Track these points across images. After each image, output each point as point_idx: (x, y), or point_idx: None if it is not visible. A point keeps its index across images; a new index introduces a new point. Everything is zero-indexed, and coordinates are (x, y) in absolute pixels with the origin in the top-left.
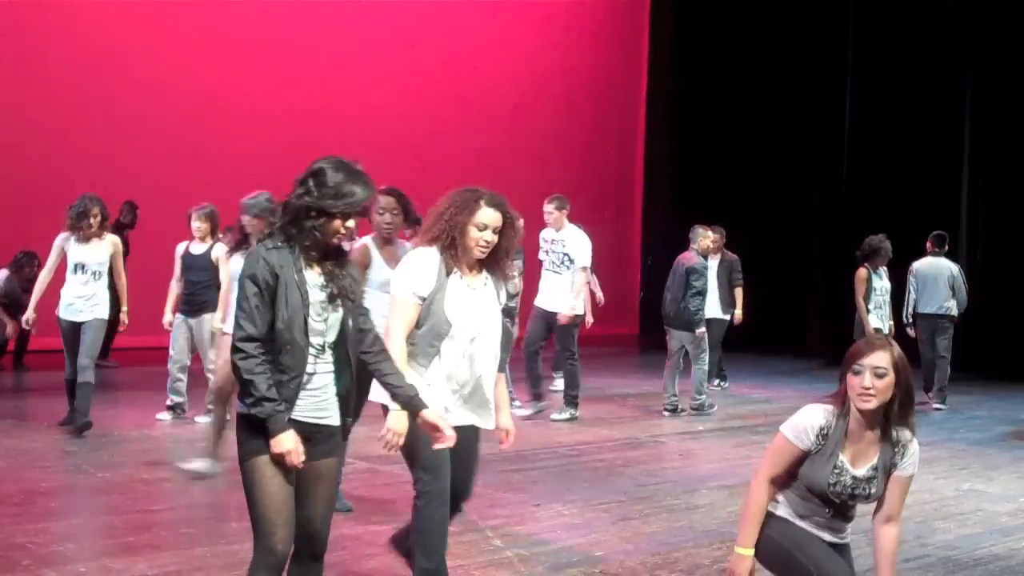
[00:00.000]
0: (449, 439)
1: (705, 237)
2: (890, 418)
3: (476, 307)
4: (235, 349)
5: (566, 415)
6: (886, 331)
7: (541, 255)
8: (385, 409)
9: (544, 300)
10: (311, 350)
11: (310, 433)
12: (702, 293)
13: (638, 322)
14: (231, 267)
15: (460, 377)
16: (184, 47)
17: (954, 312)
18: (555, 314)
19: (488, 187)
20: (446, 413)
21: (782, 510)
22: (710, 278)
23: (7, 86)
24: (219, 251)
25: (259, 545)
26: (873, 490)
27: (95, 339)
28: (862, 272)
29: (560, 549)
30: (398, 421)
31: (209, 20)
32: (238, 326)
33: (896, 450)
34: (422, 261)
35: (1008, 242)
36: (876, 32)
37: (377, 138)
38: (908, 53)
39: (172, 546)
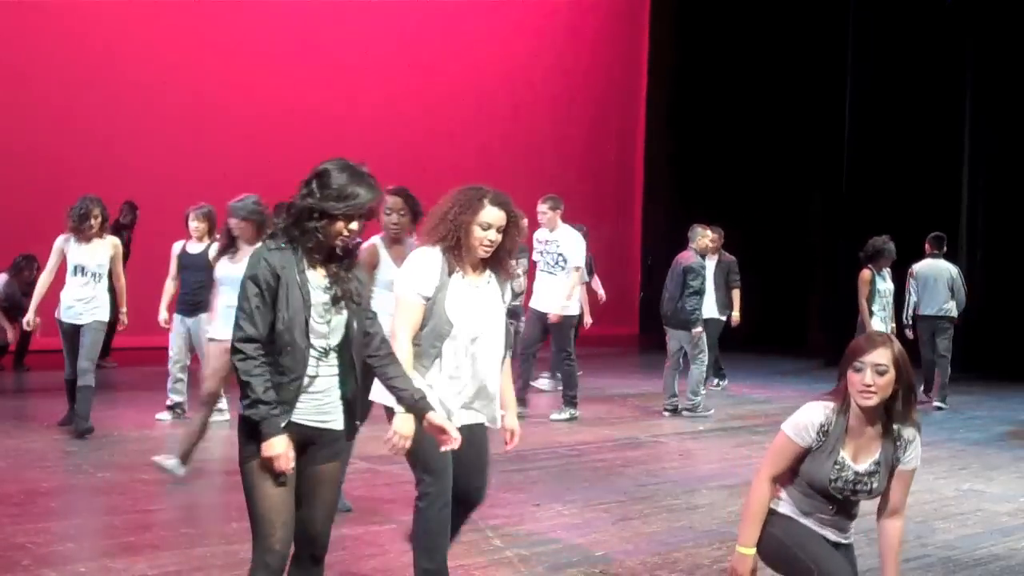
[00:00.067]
0: (455, 441)
1: (704, 237)
2: (892, 414)
3: (479, 307)
4: (234, 350)
5: (566, 415)
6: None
7: (535, 256)
8: (388, 410)
9: (539, 301)
10: (313, 352)
11: (312, 437)
12: (699, 293)
13: (638, 322)
14: (217, 272)
15: (463, 377)
16: (183, 47)
17: (953, 313)
18: (546, 315)
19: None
20: (449, 415)
21: (785, 507)
22: (707, 278)
23: (6, 87)
24: (216, 251)
25: (258, 546)
26: (875, 485)
27: (95, 341)
28: (866, 274)
29: (560, 549)
30: (405, 424)
31: (208, 21)
32: (238, 327)
33: (898, 444)
34: (425, 261)
35: (1008, 242)
36: (876, 32)
37: (377, 138)
38: (908, 53)
39: (172, 546)
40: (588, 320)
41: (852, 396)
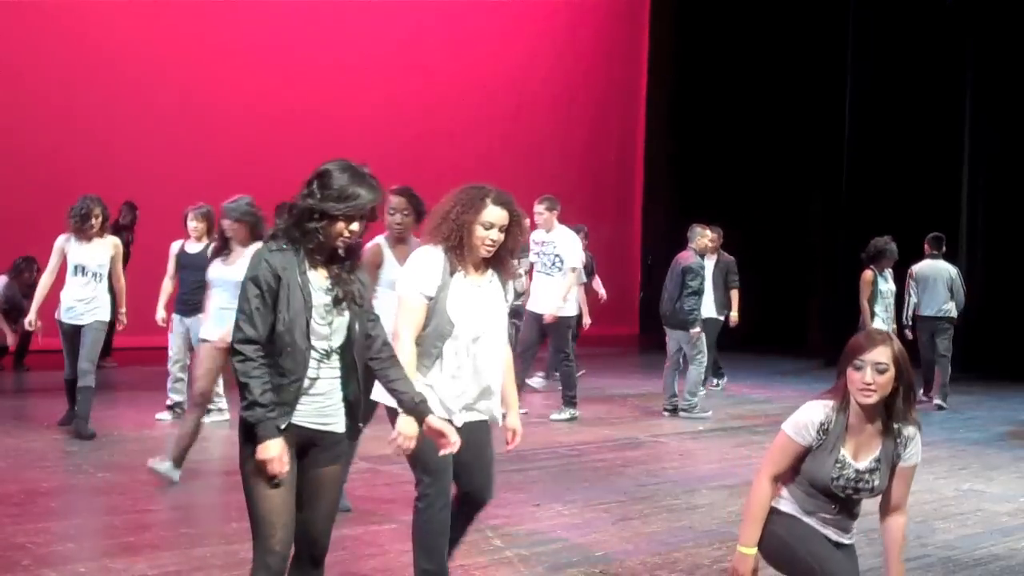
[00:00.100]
0: (453, 445)
1: (703, 236)
2: (892, 412)
3: (480, 306)
4: (234, 351)
5: (566, 415)
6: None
7: (532, 257)
8: (390, 411)
9: (536, 303)
10: (314, 354)
11: (313, 439)
12: (698, 293)
13: (638, 322)
14: (210, 274)
15: (465, 377)
16: (183, 48)
17: (953, 314)
18: (541, 316)
19: None
20: (450, 415)
21: (789, 506)
22: (706, 278)
23: (6, 87)
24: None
25: (259, 547)
26: (876, 483)
27: (95, 342)
28: (868, 274)
29: (560, 549)
30: (409, 425)
31: (208, 21)
32: (238, 328)
33: (899, 441)
34: (427, 260)
35: (1008, 242)
36: (876, 32)
37: (377, 138)
38: (908, 53)
39: (172, 546)
40: (587, 321)
41: (852, 394)
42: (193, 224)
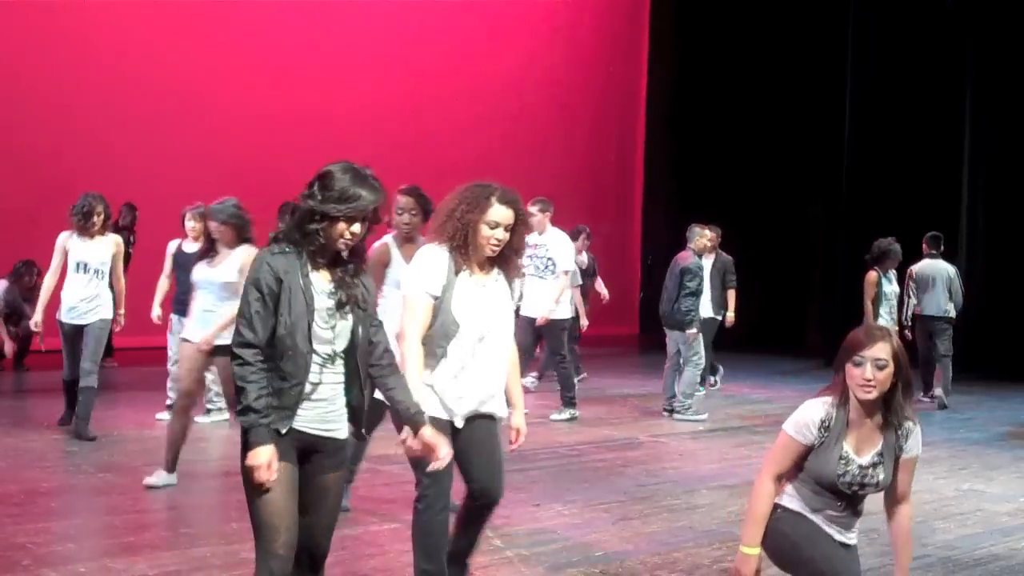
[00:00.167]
0: (442, 460)
1: (702, 237)
2: (891, 407)
3: (486, 305)
4: (233, 355)
5: (566, 415)
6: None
7: (524, 260)
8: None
9: (528, 307)
10: (316, 358)
11: (316, 445)
12: (696, 294)
13: (638, 322)
14: (195, 275)
15: (469, 377)
16: (183, 48)
17: (952, 314)
18: (534, 320)
19: None
20: (451, 416)
21: (796, 504)
22: (704, 278)
23: (5, 88)
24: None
25: (261, 552)
26: (881, 477)
27: (99, 341)
28: (872, 275)
29: (560, 549)
30: None
31: (209, 21)
32: (237, 332)
33: (899, 434)
34: (432, 259)
35: (1008, 242)
36: (876, 32)
37: (376, 139)
38: (908, 53)
39: (172, 546)
40: (584, 323)
41: (852, 390)
42: (191, 224)
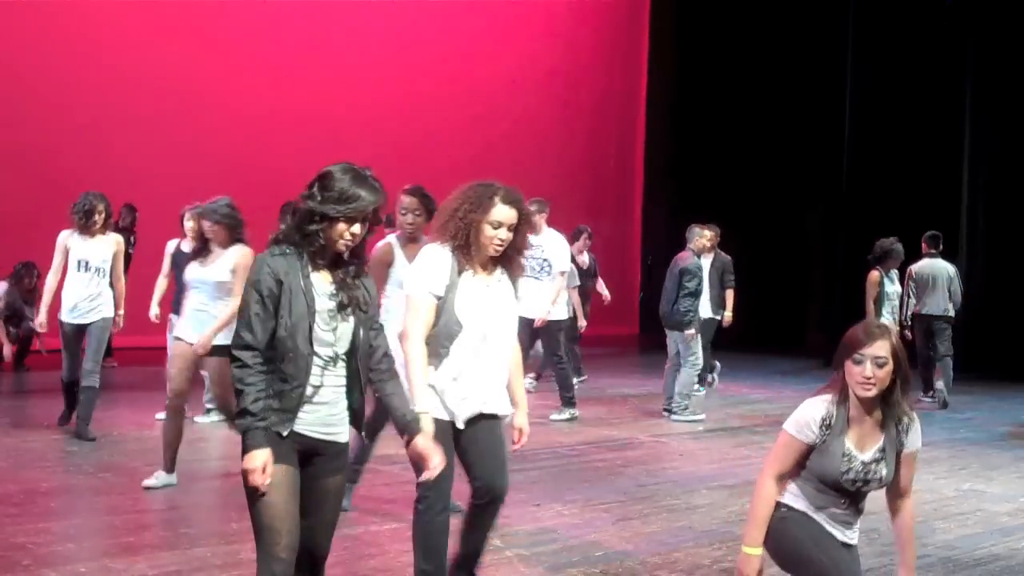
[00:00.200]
0: (434, 470)
1: (702, 237)
2: (890, 403)
3: (489, 305)
4: (233, 357)
5: (566, 415)
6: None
7: None
8: None
9: (525, 308)
10: (317, 360)
11: (317, 448)
12: (694, 294)
13: (638, 322)
14: (187, 274)
15: (471, 377)
16: (183, 48)
17: (951, 313)
18: (532, 321)
19: None
20: (452, 417)
21: (800, 503)
22: (703, 278)
23: (5, 88)
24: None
25: (263, 556)
26: (884, 472)
27: (101, 341)
28: (874, 275)
29: (560, 549)
30: (428, 426)
31: (209, 21)
32: (237, 334)
33: (900, 428)
34: (435, 259)
35: (1008, 242)
36: (876, 32)
37: (376, 139)
38: (908, 53)
39: (172, 546)
40: (583, 323)
41: (851, 387)
42: (190, 224)
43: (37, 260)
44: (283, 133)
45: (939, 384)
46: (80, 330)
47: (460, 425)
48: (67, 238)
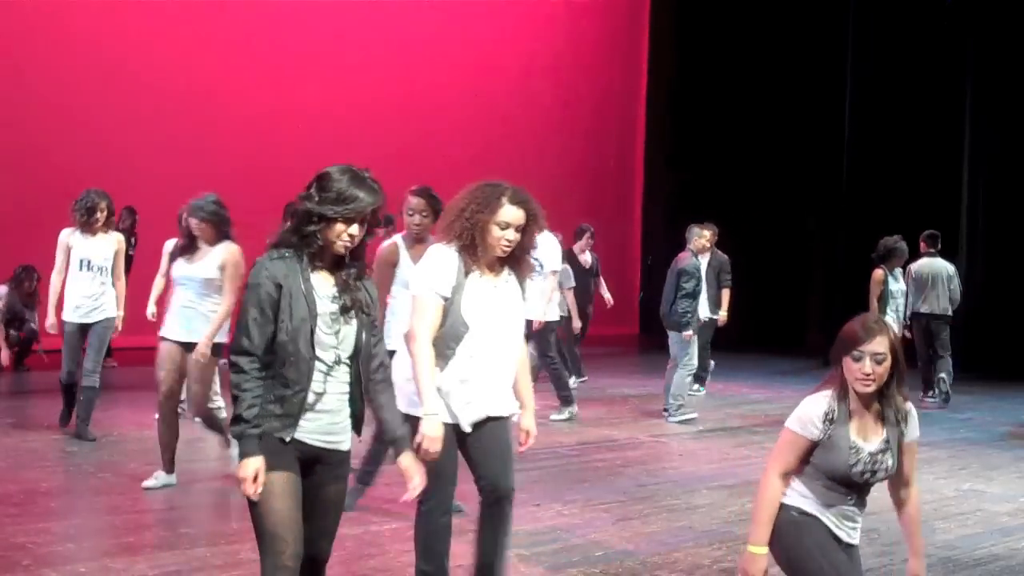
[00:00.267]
0: (413, 491)
1: (701, 237)
2: (887, 395)
3: (496, 306)
4: (231, 362)
5: (565, 415)
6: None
7: None
8: (409, 417)
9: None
10: (320, 365)
11: (319, 456)
12: (692, 295)
13: (638, 322)
14: (174, 272)
15: (476, 380)
16: (183, 49)
17: (950, 312)
18: (531, 323)
19: None
20: (456, 420)
21: (808, 504)
22: (701, 278)
23: (5, 89)
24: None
25: (268, 563)
26: (890, 462)
27: (103, 341)
28: (879, 274)
29: (560, 549)
30: (434, 427)
31: (209, 22)
32: (235, 339)
33: (899, 418)
34: (441, 260)
35: (1008, 242)
36: (876, 32)
37: (376, 139)
38: (908, 53)
39: (172, 546)
40: (577, 323)
41: (850, 383)
42: None
43: (37, 261)
44: (284, 133)
45: (942, 374)
46: (83, 330)
47: (466, 428)
48: (68, 236)
